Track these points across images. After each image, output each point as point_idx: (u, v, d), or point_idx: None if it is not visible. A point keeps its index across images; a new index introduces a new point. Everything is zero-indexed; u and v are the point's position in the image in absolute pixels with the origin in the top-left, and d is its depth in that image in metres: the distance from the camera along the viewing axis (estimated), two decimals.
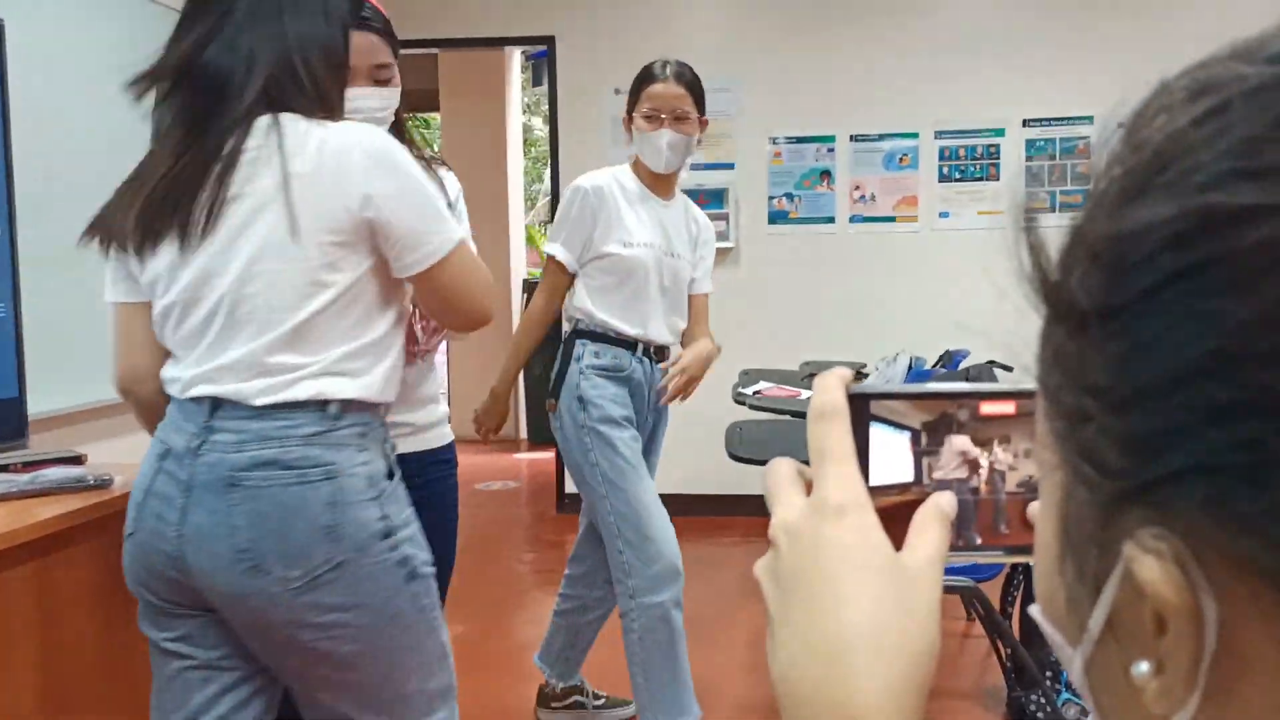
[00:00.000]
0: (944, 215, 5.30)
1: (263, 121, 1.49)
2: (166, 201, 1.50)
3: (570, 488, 5.59)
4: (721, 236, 5.34)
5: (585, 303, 2.88)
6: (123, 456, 3.48)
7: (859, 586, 0.45)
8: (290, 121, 1.50)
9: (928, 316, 5.20)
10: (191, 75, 1.52)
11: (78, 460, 2.30)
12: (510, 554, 5.13)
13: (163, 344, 1.59)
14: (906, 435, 0.52)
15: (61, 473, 2.11)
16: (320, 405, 1.51)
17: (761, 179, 5.38)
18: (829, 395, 0.50)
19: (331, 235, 1.49)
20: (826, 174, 5.35)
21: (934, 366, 4.82)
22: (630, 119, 2.87)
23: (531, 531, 5.34)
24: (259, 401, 1.49)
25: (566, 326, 3.06)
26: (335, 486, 1.49)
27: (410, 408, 2.04)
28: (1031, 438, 0.50)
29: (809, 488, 0.49)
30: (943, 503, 0.50)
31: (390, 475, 1.60)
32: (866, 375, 4.90)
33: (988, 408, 0.52)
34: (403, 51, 2.01)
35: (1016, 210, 0.40)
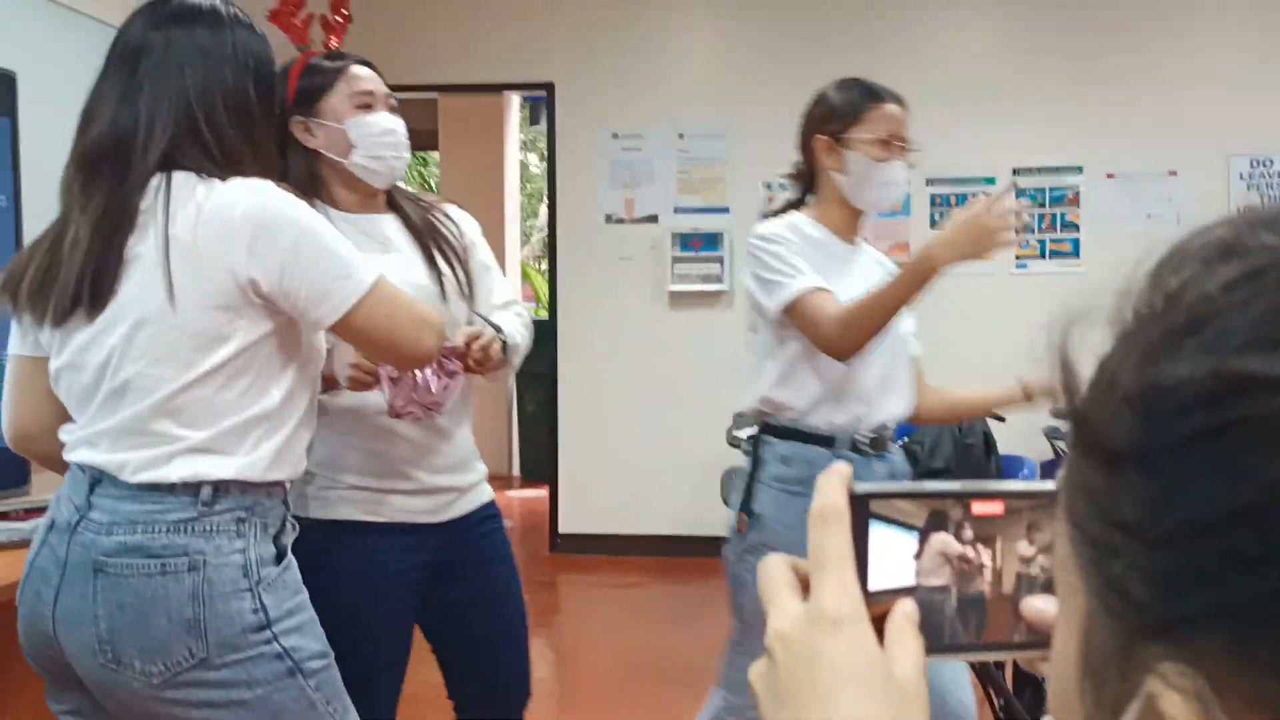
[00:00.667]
0: None
1: (154, 181, 1.44)
2: (49, 274, 1.45)
3: (566, 527, 5.61)
4: (716, 279, 5.41)
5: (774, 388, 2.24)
6: None
7: (852, 703, 0.45)
8: (179, 180, 1.44)
9: (919, 361, 5.25)
10: (99, 137, 1.48)
11: None
12: None
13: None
14: (912, 535, 0.51)
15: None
16: (193, 489, 1.41)
17: (756, 223, 5.44)
18: (829, 497, 0.49)
19: (214, 299, 1.41)
20: None
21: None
22: (838, 144, 2.26)
23: (524, 572, 5.29)
24: (134, 479, 1.41)
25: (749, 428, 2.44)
26: (200, 578, 1.39)
27: (454, 471, 1.95)
28: (1020, 535, 0.52)
29: (804, 583, 0.50)
30: (908, 610, 0.50)
31: (279, 560, 1.48)
32: None
33: (980, 507, 0.52)
34: (405, 95, 2.01)
35: (1054, 331, 0.41)
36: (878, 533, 0.50)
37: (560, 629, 4.72)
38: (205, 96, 1.48)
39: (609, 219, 5.53)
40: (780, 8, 5.41)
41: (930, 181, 5.34)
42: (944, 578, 0.52)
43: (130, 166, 1.44)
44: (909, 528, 0.51)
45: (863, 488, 0.50)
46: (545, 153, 8.72)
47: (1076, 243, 5.30)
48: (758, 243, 2.24)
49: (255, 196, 1.44)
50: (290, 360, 1.51)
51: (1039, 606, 0.52)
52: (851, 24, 5.36)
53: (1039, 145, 5.26)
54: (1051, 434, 4.68)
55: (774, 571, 0.51)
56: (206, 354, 1.41)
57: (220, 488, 1.42)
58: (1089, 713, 0.39)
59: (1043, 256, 5.31)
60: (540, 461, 6.29)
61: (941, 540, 0.51)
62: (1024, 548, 0.53)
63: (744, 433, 4.13)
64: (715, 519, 5.50)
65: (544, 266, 10.45)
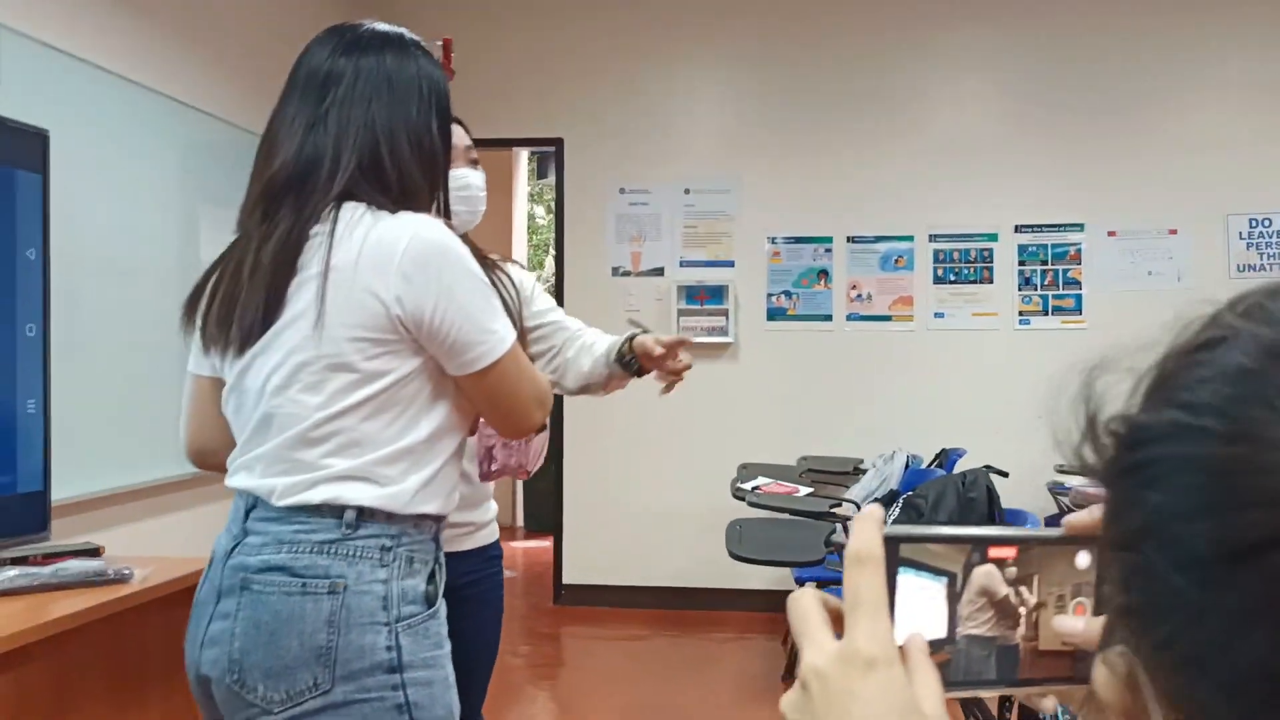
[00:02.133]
0: (939, 315, 5.42)
1: (330, 209, 1.42)
2: (230, 301, 1.45)
3: (569, 578, 5.61)
4: (720, 332, 5.46)
5: None
6: (139, 544, 3.53)
7: None
8: (348, 210, 1.43)
9: (923, 415, 5.29)
10: (284, 166, 1.46)
11: (95, 553, 2.35)
12: (504, 646, 5.12)
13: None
14: (939, 580, 0.54)
15: (82, 566, 2.16)
16: (337, 511, 1.38)
17: (761, 277, 5.52)
18: (865, 540, 0.52)
19: (363, 331, 1.38)
20: (824, 273, 5.49)
21: (930, 465, 4.89)
22: None
23: (527, 623, 5.33)
24: (280, 502, 1.39)
25: None
26: (339, 603, 1.35)
27: (473, 508, 2.00)
28: (1033, 576, 0.56)
29: (834, 617, 0.53)
30: (920, 644, 0.52)
31: (430, 603, 1.44)
32: (864, 471, 4.97)
33: (996, 552, 0.55)
34: None
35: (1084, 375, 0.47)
36: (904, 577, 0.53)
37: (563, 681, 4.70)
38: (390, 130, 1.47)
39: (615, 271, 5.60)
40: (786, 67, 5.52)
41: (934, 237, 5.42)
42: (976, 618, 0.55)
43: (312, 197, 1.43)
44: (936, 572, 0.54)
45: (893, 531, 0.53)
46: (551, 205, 8.77)
47: (1079, 299, 5.35)
48: None
49: (422, 231, 1.41)
50: (442, 395, 1.47)
51: (1070, 624, 0.56)
52: (856, 83, 5.46)
53: (1041, 203, 5.34)
54: (1055, 489, 4.70)
55: (808, 606, 0.53)
56: (353, 386, 1.39)
57: (364, 513, 1.39)
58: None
59: (1045, 312, 5.36)
60: (544, 512, 6.31)
61: (985, 573, 0.55)
62: (1043, 589, 0.56)
63: (749, 485, 4.16)
64: (719, 571, 5.52)
65: None
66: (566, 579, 5.65)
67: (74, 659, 2.05)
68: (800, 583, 4.48)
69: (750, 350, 5.52)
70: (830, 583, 3.95)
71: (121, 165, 3.47)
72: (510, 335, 1.46)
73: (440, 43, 1.89)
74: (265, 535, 1.39)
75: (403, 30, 1.57)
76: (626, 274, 5.59)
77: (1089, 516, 0.57)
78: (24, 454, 2.28)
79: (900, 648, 0.52)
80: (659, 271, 5.57)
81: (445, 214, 1.57)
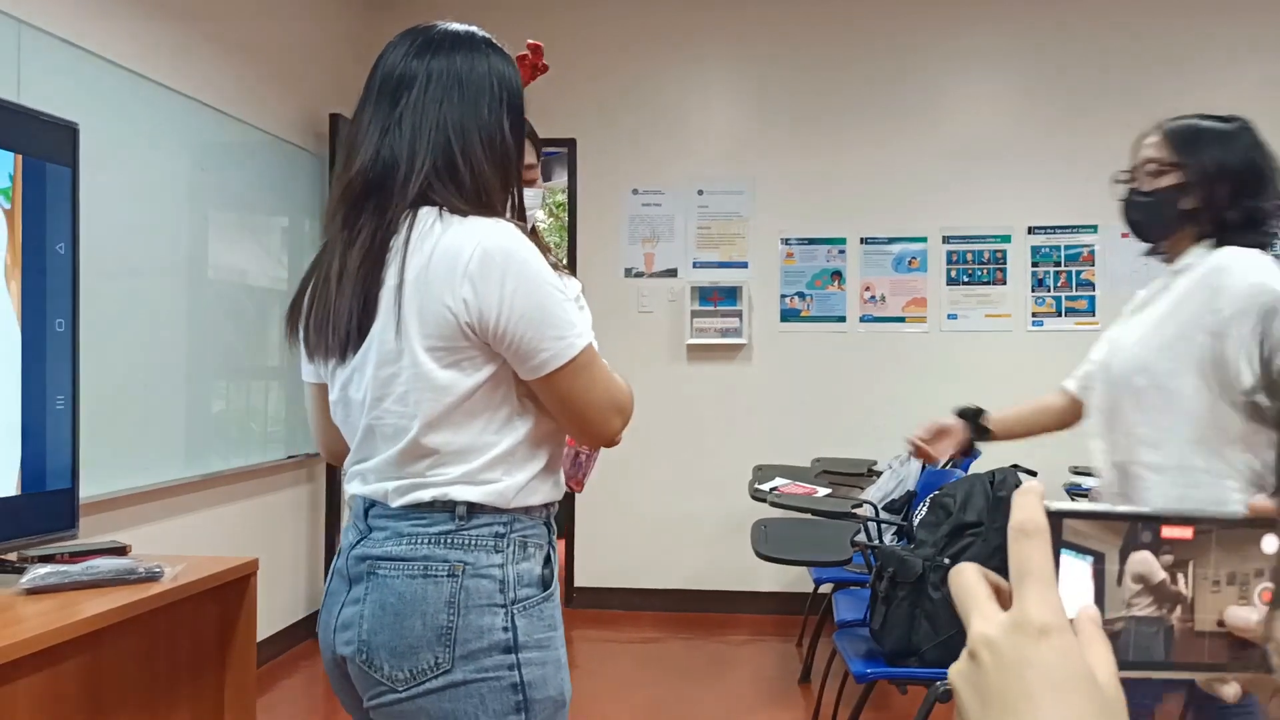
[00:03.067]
0: (952, 317, 5.41)
1: (406, 216, 1.44)
2: (323, 310, 1.49)
3: (582, 580, 5.58)
4: (734, 333, 5.44)
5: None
6: (164, 543, 3.50)
7: (1062, 708, 0.47)
8: (423, 216, 1.43)
9: (937, 416, 5.27)
10: (362, 170, 1.48)
11: (123, 551, 2.32)
12: None
13: None
14: (1088, 561, 0.53)
15: (112, 564, 2.13)
16: (448, 507, 1.43)
17: (774, 278, 5.50)
18: (1030, 513, 0.51)
19: (438, 340, 1.40)
20: (838, 274, 5.47)
21: (945, 466, 4.87)
22: None
23: None
24: (395, 503, 1.44)
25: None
26: (459, 585, 1.40)
27: None
28: (1206, 558, 0.54)
29: (998, 593, 0.52)
30: (1093, 615, 0.52)
31: (545, 586, 1.48)
32: (879, 474, 4.95)
33: (1169, 531, 0.54)
34: None
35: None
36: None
37: (576, 684, 4.64)
38: (463, 131, 1.47)
39: (629, 273, 5.58)
40: (800, 69, 5.50)
41: (947, 239, 5.40)
42: (1136, 598, 0.54)
43: (391, 201, 1.44)
44: (1081, 551, 0.53)
45: (1056, 506, 0.52)
46: (553, 209, 8.70)
47: (1092, 300, 5.34)
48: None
49: (489, 235, 1.40)
50: (531, 399, 1.48)
51: (1243, 615, 0.54)
52: (869, 84, 5.45)
53: (1054, 204, 5.33)
54: (1071, 490, 4.68)
55: (971, 579, 0.53)
56: (439, 396, 1.41)
57: (474, 506, 1.44)
58: None
59: (1059, 314, 5.35)
60: (557, 514, 6.28)
61: (1141, 559, 0.54)
62: (1211, 571, 0.54)
63: (767, 485, 4.14)
64: (732, 574, 5.49)
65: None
66: (578, 581, 5.62)
67: (105, 658, 2.02)
68: (819, 583, 4.46)
69: (764, 352, 5.49)
70: (852, 584, 3.92)
71: (136, 162, 3.45)
72: (581, 340, 1.44)
73: (529, 45, 1.89)
74: (386, 530, 1.45)
75: (474, 28, 1.56)
76: (639, 275, 5.57)
77: (1275, 503, 0.56)
78: (53, 450, 2.25)
79: (1071, 620, 0.50)
80: (672, 273, 5.55)
81: (519, 214, 1.56)
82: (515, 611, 1.43)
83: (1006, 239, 5.37)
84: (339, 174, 1.51)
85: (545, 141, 6.13)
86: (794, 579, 5.33)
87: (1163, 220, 2.01)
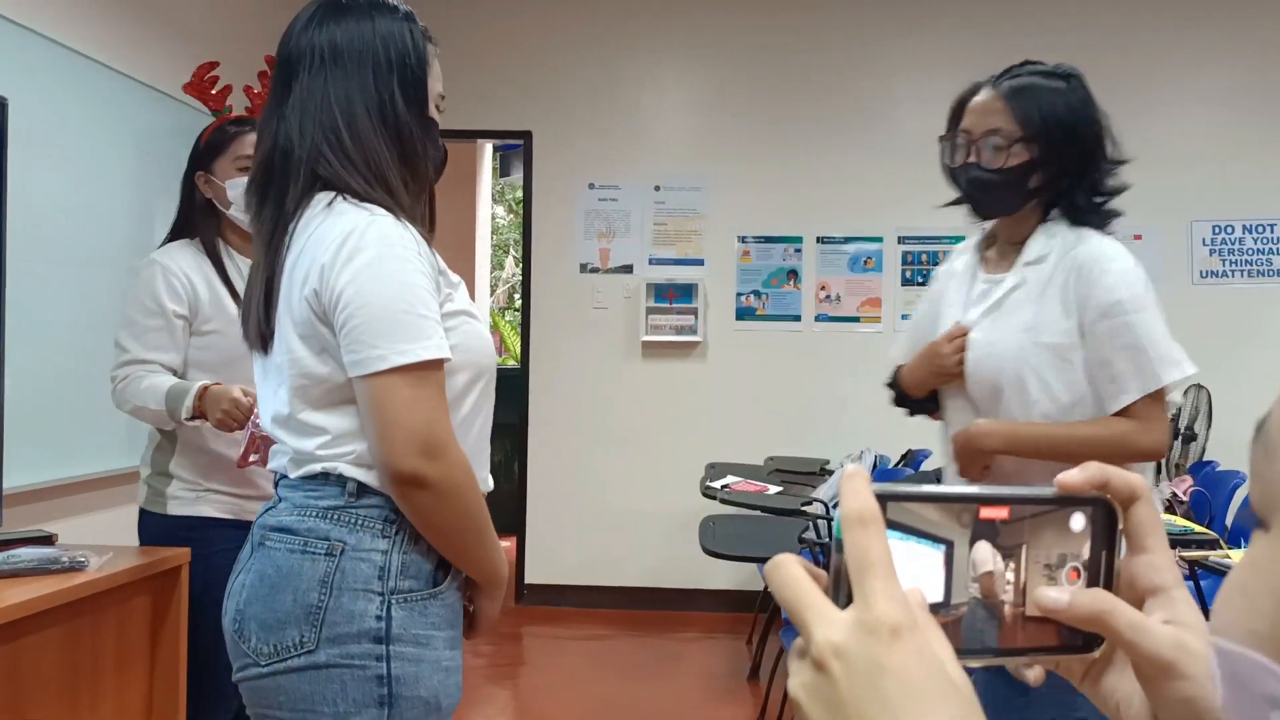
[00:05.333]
0: (905, 317, 5.42)
1: (304, 202, 1.42)
2: (244, 306, 1.52)
3: (532, 578, 5.54)
4: (690, 330, 5.42)
5: None
6: (93, 533, 3.41)
7: (926, 714, 0.44)
8: (317, 202, 1.40)
9: (890, 416, 5.26)
10: (264, 158, 1.46)
11: (48, 540, 2.25)
12: (466, 646, 5.04)
13: None
14: (940, 549, 0.51)
15: (35, 553, 2.07)
16: (339, 481, 1.39)
17: (730, 276, 5.49)
18: (863, 500, 0.47)
19: (305, 328, 1.38)
20: (793, 273, 5.47)
21: (897, 465, 4.88)
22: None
23: None
24: (293, 474, 1.43)
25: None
26: (334, 565, 1.36)
27: (247, 484, 2.17)
28: (1029, 539, 0.52)
29: (822, 585, 0.49)
30: (920, 600, 0.48)
31: (435, 583, 1.42)
32: (831, 472, 4.95)
33: (987, 512, 0.52)
34: None
35: None
36: (896, 543, 0.49)
37: (525, 681, 4.63)
38: (349, 105, 1.41)
39: (584, 268, 5.54)
40: (757, 67, 5.50)
41: (902, 239, 5.42)
42: (973, 588, 0.52)
43: (288, 189, 1.42)
44: (933, 539, 0.51)
45: (882, 489, 0.49)
46: (513, 204, 8.65)
47: None
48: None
49: (356, 229, 1.34)
50: None
51: (1050, 596, 0.52)
52: (828, 84, 5.46)
53: None
54: None
55: (795, 573, 0.48)
56: (316, 381, 1.39)
57: (364, 487, 1.39)
58: None
59: None
60: (506, 512, 6.23)
61: (980, 546, 0.52)
62: (1044, 554, 0.53)
63: (718, 483, 4.12)
64: (683, 571, 5.47)
65: (509, 317, 10.45)
66: (529, 579, 5.57)
67: (25, 649, 1.95)
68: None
69: (719, 350, 5.48)
70: None
71: (72, 143, 3.36)
72: (407, 358, 1.32)
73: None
74: (287, 500, 1.44)
75: None
76: (595, 271, 5.54)
77: (1082, 474, 0.53)
78: None
79: None
80: (628, 269, 5.52)
81: (437, 174, 1.53)
82: (393, 601, 1.37)
83: (959, 239, 5.39)
84: (250, 168, 1.50)
85: (500, 134, 6.10)
86: (745, 577, 5.32)
87: (1012, 199, 1.82)
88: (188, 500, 2.27)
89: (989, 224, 1.98)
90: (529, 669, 4.79)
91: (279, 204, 1.42)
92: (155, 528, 2.31)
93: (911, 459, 4.86)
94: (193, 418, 2.15)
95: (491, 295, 10.83)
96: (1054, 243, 1.80)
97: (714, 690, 4.24)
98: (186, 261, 2.30)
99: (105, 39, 3.58)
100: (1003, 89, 1.83)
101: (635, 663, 4.63)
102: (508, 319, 10.28)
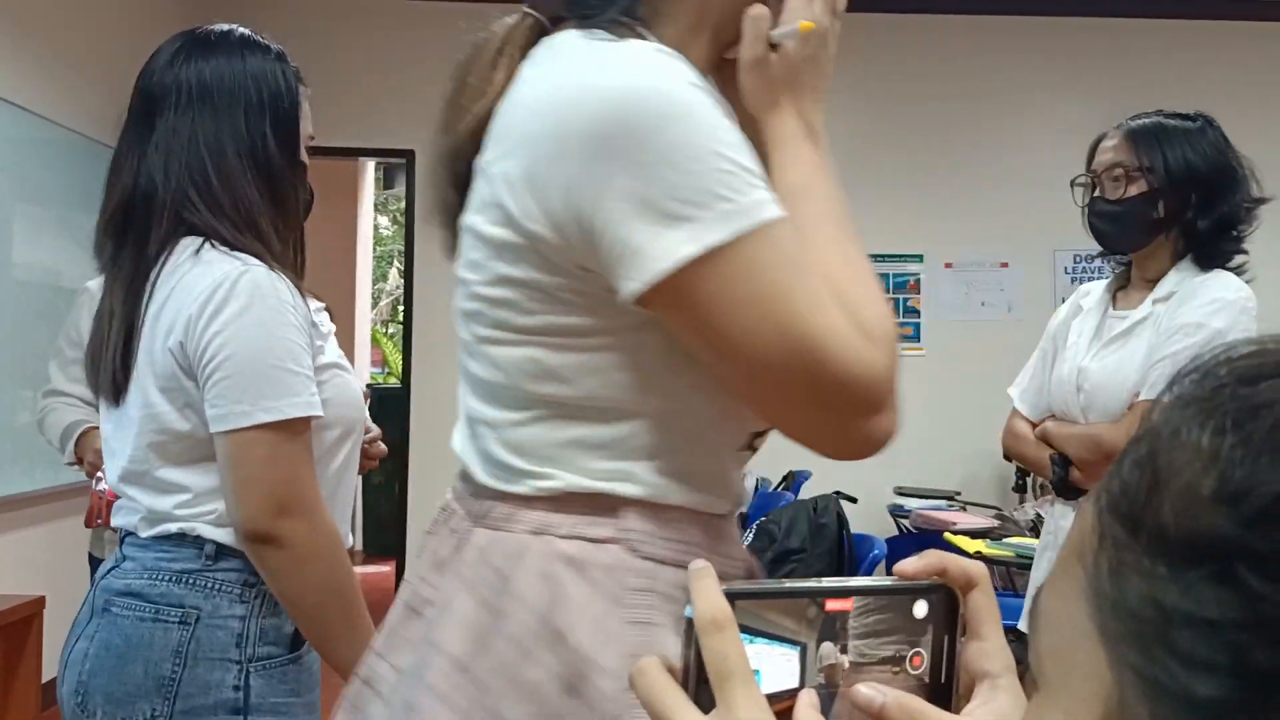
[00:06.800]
0: None
1: (167, 249, 1.34)
2: (97, 351, 1.40)
3: None
4: None
5: None
6: None
7: None
8: (182, 249, 1.33)
9: (770, 437, 5.37)
10: (121, 199, 1.38)
11: None
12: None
13: None
14: (796, 650, 0.52)
15: None
16: (197, 543, 1.33)
17: None
18: (714, 601, 0.48)
19: (167, 380, 1.32)
20: None
21: (777, 487, 4.96)
22: None
23: None
24: (145, 533, 1.36)
25: None
26: (189, 634, 1.30)
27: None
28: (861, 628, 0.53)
29: (683, 679, 0.49)
30: (813, 700, 0.51)
31: (291, 649, 1.36)
32: None
33: (832, 604, 0.53)
34: None
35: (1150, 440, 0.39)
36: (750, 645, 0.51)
37: None
38: (218, 147, 1.34)
39: None
40: None
41: None
42: (817, 674, 0.53)
43: (150, 234, 1.34)
44: (788, 642, 0.52)
45: (731, 588, 0.50)
46: (396, 215, 8.52)
47: (918, 327, 5.55)
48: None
49: (224, 274, 1.29)
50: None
51: (866, 695, 0.52)
52: None
53: (884, 233, 5.51)
54: (895, 511, 4.84)
55: (659, 683, 0.49)
56: (176, 438, 1.32)
57: (223, 548, 1.33)
58: None
59: None
60: (387, 533, 6.12)
61: (829, 650, 0.53)
62: (879, 642, 0.54)
63: None
64: None
65: (391, 331, 10.28)
66: None
67: None
68: None
69: None
70: None
71: None
72: (272, 415, 1.28)
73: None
74: (135, 561, 1.36)
75: (235, 27, 1.42)
76: None
77: (920, 562, 0.56)
78: None
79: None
80: None
81: (305, 213, 1.47)
82: (251, 670, 1.31)
83: (920, 259, 5.52)
84: (103, 203, 1.40)
85: (381, 152, 6.00)
86: None
87: (1134, 231, 1.87)
88: (109, 541, 2.27)
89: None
90: None
91: (139, 247, 1.35)
92: (95, 571, 2.29)
93: (792, 481, 4.95)
94: (73, 462, 2.15)
95: (374, 308, 10.65)
96: (1183, 280, 1.85)
97: None
98: None
99: None
100: (1125, 129, 1.91)
101: None
102: (389, 333, 10.11)
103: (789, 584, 0.53)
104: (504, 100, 0.86)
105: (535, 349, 0.83)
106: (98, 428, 2.03)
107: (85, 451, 2.11)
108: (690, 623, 0.49)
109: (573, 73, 0.82)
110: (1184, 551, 0.36)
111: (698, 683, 0.49)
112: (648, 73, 0.79)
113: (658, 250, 0.75)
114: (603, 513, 0.84)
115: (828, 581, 0.54)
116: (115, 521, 1.43)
